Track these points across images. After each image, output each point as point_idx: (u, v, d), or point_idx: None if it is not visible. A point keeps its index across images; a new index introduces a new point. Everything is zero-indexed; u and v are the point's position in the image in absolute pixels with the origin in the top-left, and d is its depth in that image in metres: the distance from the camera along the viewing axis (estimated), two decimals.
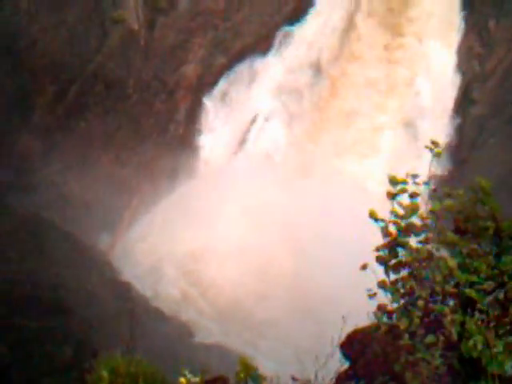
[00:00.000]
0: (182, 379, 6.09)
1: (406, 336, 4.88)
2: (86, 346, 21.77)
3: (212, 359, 25.08)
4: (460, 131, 27.44)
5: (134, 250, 29.60)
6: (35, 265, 24.39)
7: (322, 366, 6.04)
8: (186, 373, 6.01)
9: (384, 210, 5.02)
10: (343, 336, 5.91)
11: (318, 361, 6.10)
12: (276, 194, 27.08)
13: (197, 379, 5.85)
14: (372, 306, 5.32)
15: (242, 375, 6.22)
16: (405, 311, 4.99)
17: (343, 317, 5.87)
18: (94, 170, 29.55)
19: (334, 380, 6.04)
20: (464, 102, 27.89)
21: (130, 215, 30.76)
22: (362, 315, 5.60)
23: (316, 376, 6.11)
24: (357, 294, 6.13)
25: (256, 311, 25.88)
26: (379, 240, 5.09)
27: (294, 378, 6.54)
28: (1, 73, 27.74)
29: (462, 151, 26.97)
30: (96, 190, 30.27)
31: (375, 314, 5.15)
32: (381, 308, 5.07)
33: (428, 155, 5.16)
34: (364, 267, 4.90)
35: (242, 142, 30.56)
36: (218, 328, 26.98)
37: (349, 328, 5.96)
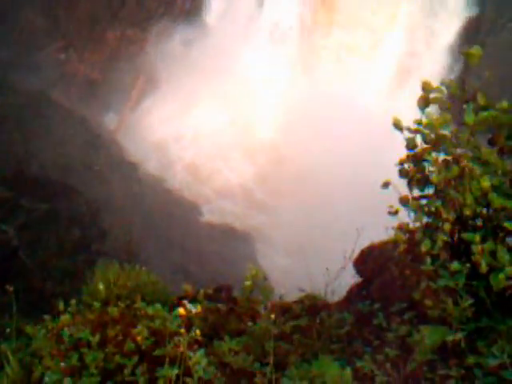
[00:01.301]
0: (187, 286, 5.73)
1: (428, 260, 4.42)
2: (93, 228, 21.80)
3: (218, 238, 25.24)
4: (478, 18, 26.08)
5: (141, 130, 29.12)
6: (41, 145, 24.02)
7: (332, 280, 5.65)
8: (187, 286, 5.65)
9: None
10: (357, 251, 5.46)
11: (329, 274, 5.70)
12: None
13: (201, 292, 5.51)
14: (391, 223, 4.84)
15: (249, 284, 5.86)
16: (428, 232, 4.50)
17: (357, 229, 5.39)
18: (99, 47, 28.59)
19: (345, 295, 5.68)
20: None
21: (137, 93, 30.04)
22: (379, 231, 5.14)
23: (325, 290, 5.73)
24: (375, 209, 5.65)
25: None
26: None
27: (300, 290, 6.18)
28: None
29: (479, 35, 25.74)
30: (102, 68, 29.47)
31: (395, 231, 4.67)
32: (401, 227, 4.58)
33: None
34: (386, 185, 4.36)
35: (251, 18, 29.26)
36: (226, 208, 26.95)
37: (364, 243, 5.50)
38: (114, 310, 4.82)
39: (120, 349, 4.41)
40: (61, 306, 5.82)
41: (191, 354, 4.12)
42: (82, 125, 26.76)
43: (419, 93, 4.50)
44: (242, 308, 5.72)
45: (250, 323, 5.33)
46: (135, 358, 4.23)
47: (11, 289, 6.97)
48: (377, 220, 5.27)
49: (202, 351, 4.12)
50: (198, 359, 4.07)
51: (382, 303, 4.75)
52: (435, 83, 4.28)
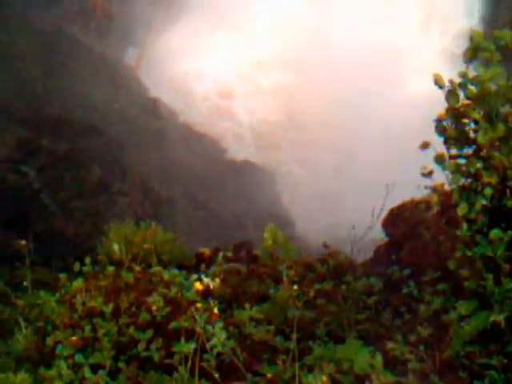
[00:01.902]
0: (206, 250, 5.47)
1: (465, 225, 4.05)
2: (115, 167, 21.58)
3: (243, 176, 24.99)
4: None
5: (162, 65, 28.56)
6: (61, 84, 23.65)
7: (358, 239, 5.33)
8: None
9: None
10: (386, 210, 5.11)
11: (356, 232, 5.38)
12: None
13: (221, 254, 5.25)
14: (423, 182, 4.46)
15: (269, 243, 5.59)
16: (465, 194, 4.13)
17: (387, 185, 5.01)
18: None
19: (371, 256, 5.36)
20: None
21: (157, 27, 29.33)
22: (410, 189, 4.77)
23: (351, 248, 5.43)
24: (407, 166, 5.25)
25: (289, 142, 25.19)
26: None
27: (325, 246, 5.90)
28: None
29: None
30: (121, 1, 28.74)
31: (429, 193, 4.30)
32: (436, 188, 4.21)
33: None
34: (425, 146, 3.96)
35: None
36: (251, 146, 26.60)
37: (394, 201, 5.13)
38: (128, 276, 4.57)
39: (135, 319, 4.17)
40: (76, 266, 5.60)
41: (209, 326, 3.86)
42: (102, 61, 26.29)
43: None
44: (264, 268, 5.46)
45: (272, 286, 5.07)
46: (150, 332, 3.99)
47: (23, 242, 6.78)
48: (408, 178, 4.90)
49: (220, 324, 3.86)
50: (217, 333, 3.81)
51: (412, 270, 4.43)
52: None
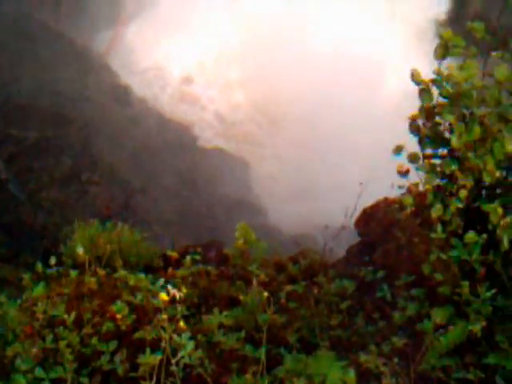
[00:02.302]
0: (172, 253, 5.30)
1: (439, 227, 3.94)
2: (85, 156, 21.24)
3: (212, 163, 24.74)
4: None
5: (133, 51, 28.15)
6: (30, 70, 23.17)
7: (332, 238, 5.21)
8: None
9: None
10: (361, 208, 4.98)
11: (329, 230, 5.26)
12: None
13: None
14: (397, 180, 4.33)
15: (240, 242, 5.43)
16: (439, 195, 4.01)
17: (361, 183, 4.88)
18: None
19: (343, 256, 5.24)
20: None
21: (128, 11, 28.87)
22: (382, 187, 4.64)
23: (324, 249, 5.30)
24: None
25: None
26: None
27: (297, 243, 5.76)
28: None
29: None
30: None
31: (403, 193, 4.17)
32: (411, 190, 4.08)
33: None
34: (398, 150, 3.82)
35: None
36: (220, 134, 26.36)
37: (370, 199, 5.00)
38: (91, 281, 4.39)
39: (98, 328, 3.99)
40: (39, 267, 5.40)
41: (176, 336, 3.70)
42: (72, 47, 25.84)
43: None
44: (234, 269, 5.31)
45: (242, 289, 4.91)
46: (114, 343, 3.82)
47: None
48: (379, 174, 4.77)
49: (187, 334, 3.70)
50: (184, 343, 3.65)
51: (386, 272, 4.31)
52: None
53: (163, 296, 3.50)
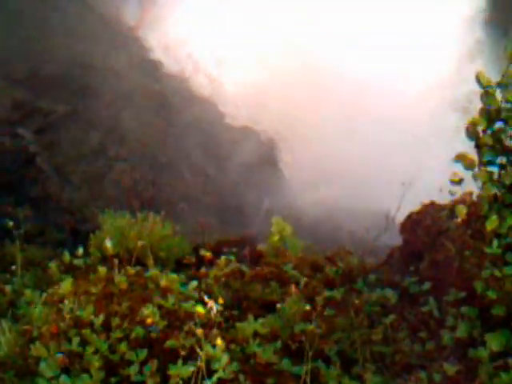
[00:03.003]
0: (206, 253, 5.09)
1: (495, 241, 3.66)
2: (113, 132, 21.11)
3: (241, 141, 24.51)
4: None
5: (164, 25, 27.87)
6: (59, 43, 23.00)
7: (373, 241, 4.95)
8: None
9: None
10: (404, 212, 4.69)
11: (370, 233, 5.00)
12: None
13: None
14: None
15: (275, 238, 5.21)
16: (496, 206, 3.72)
17: (403, 183, 4.59)
18: None
19: (384, 259, 4.98)
20: None
21: None
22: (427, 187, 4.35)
23: (364, 251, 5.05)
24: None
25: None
26: None
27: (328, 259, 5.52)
28: None
29: None
30: None
31: (456, 203, 3.89)
32: (464, 199, 3.80)
33: None
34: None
35: None
36: (249, 114, 26.06)
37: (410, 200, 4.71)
38: (121, 281, 4.18)
39: (127, 333, 3.79)
40: (66, 257, 5.24)
41: (209, 346, 3.49)
42: (101, 20, 25.61)
43: None
44: (268, 268, 5.08)
45: (277, 290, 4.69)
46: (144, 352, 3.61)
47: (11, 224, 6.41)
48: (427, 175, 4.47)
49: (222, 344, 3.48)
50: (218, 355, 3.44)
51: (432, 284, 4.04)
52: None
53: (199, 309, 3.28)
